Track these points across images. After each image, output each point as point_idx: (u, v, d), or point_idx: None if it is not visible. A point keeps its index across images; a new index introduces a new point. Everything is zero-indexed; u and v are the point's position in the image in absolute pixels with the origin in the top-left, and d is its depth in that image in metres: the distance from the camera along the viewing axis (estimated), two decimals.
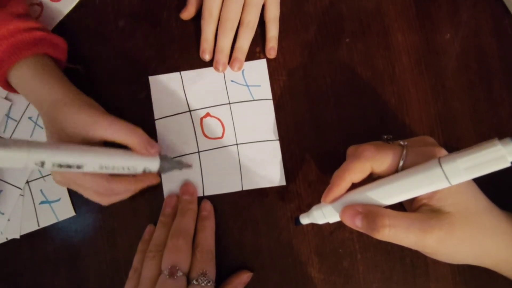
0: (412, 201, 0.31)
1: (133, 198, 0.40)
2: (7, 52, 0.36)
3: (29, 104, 0.44)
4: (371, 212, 0.29)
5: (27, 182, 0.43)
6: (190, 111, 0.42)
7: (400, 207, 0.36)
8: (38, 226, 0.42)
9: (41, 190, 0.43)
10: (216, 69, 0.42)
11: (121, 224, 0.42)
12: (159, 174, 0.40)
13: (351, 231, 0.40)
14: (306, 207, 0.40)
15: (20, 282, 0.42)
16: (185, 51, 0.43)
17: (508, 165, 0.24)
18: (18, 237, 0.42)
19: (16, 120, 0.44)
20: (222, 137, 0.42)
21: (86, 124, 0.34)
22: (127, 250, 0.41)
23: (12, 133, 0.43)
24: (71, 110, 0.35)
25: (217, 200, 0.41)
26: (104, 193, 0.36)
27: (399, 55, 0.42)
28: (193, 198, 0.40)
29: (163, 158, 0.37)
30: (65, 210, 0.42)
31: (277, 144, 0.41)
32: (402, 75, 0.41)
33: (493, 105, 0.41)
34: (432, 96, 0.41)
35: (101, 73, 0.43)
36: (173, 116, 0.42)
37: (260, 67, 0.42)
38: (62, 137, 0.35)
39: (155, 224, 0.40)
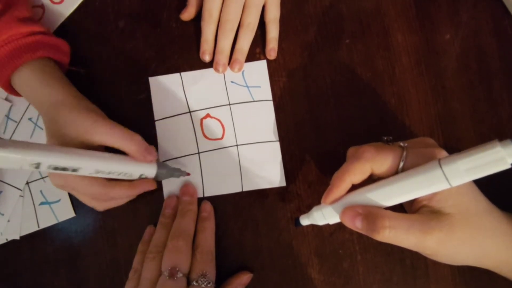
0: (412, 202, 0.31)
1: (134, 199, 0.40)
2: (10, 56, 0.36)
3: (29, 105, 0.44)
4: (371, 213, 0.29)
5: (27, 183, 0.43)
6: (190, 112, 0.42)
7: (400, 208, 0.36)
8: (38, 227, 0.42)
9: (41, 191, 0.43)
10: (216, 70, 0.42)
11: (121, 224, 0.42)
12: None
13: (351, 232, 0.39)
14: (306, 208, 0.40)
15: (20, 283, 0.42)
16: (185, 52, 0.43)
17: (508, 166, 0.24)
18: (18, 238, 0.42)
19: (16, 121, 0.44)
20: (222, 138, 0.42)
21: (85, 129, 0.35)
22: (127, 251, 0.41)
23: (12, 134, 0.43)
24: (72, 113, 0.35)
25: (217, 201, 0.41)
26: (99, 198, 0.36)
27: (399, 55, 0.42)
28: (193, 199, 0.40)
29: (160, 165, 0.38)
30: (65, 211, 0.42)
31: (277, 145, 0.41)
32: (402, 75, 0.41)
33: (493, 105, 0.41)
34: (432, 97, 0.41)
35: (101, 74, 0.44)
36: (173, 117, 0.42)
37: (260, 68, 0.42)
38: (62, 140, 0.35)
39: (155, 225, 0.40)
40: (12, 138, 0.43)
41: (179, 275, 0.34)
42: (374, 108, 0.41)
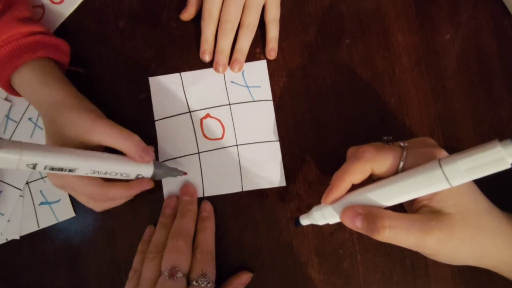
0: (412, 202, 0.31)
1: (133, 199, 0.40)
2: (10, 56, 0.36)
3: (29, 105, 0.44)
4: (371, 213, 0.29)
5: (27, 183, 0.43)
6: (190, 112, 0.42)
7: (400, 208, 0.36)
8: (38, 227, 0.42)
9: (41, 191, 0.43)
10: (216, 70, 0.42)
11: (121, 224, 0.42)
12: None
13: (351, 232, 0.39)
14: (306, 208, 0.40)
15: (20, 283, 0.42)
16: (185, 52, 0.43)
17: (508, 166, 0.24)
18: (18, 237, 0.42)
19: (16, 121, 0.44)
20: (222, 138, 0.42)
21: (85, 129, 0.35)
22: (127, 251, 0.41)
23: (12, 134, 0.43)
24: (71, 113, 0.35)
25: (217, 201, 0.41)
26: (97, 198, 0.37)
27: (399, 55, 0.42)
28: (193, 199, 0.40)
29: (157, 165, 0.38)
30: (65, 211, 0.42)
31: (277, 145, 0.41)
32: (402, 75, 0.41)
33: (493, 105, 0.41)
34: (432, 97, 0.41)
35: (101, 74, 0.44)
36: (173, 117, 0.42)
37: (260, 68, 0.42)
38: (62, 140, 0.35)
39: (155, 225, 0.40)
40: (12, 138, 0.43)
41: (179, 275, 0.34)
42: (374, 108, 0.41)
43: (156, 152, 0.42)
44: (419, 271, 0.39)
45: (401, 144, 0.31)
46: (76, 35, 0.44)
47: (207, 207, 0.40)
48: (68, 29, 0.44)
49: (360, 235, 0.39)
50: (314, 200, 0.40)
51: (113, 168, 0.34)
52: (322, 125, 0.41)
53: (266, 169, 0.41)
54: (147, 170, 0.37)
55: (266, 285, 0.40)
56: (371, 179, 0.32)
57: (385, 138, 0.33)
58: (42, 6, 0.44)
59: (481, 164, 0.24)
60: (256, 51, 0.43)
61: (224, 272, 0.39)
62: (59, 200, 0.42)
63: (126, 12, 0.44)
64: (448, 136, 0.40)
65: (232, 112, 0.42)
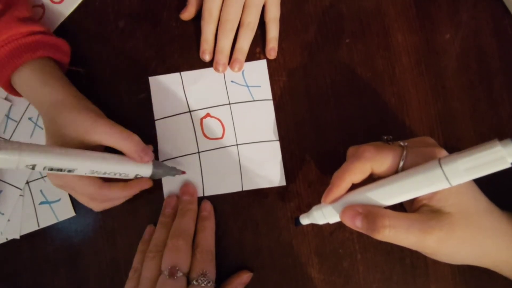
0: (412, 201, 0.31)
1: (133, 198, 0.40)
2: (10, 56, 0.36)
3: (29, 104, 0.44)
4: (371, 212, 0.29)
5: (27, 182, 0.43)
6: (190, 111, 0.42)
7: (400, 207, 0.36)
8: (38, 226, 0.42)
9: (41, 191, 0.43)
10: (216, 69, 0.42)
11: (121, 224, 0.42)
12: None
13: (351, 231, 0.40)
14: (306, 208, 0.40)
15: (20, 282, 0.42)
16: (185, 52, 0.43)
17: (508, 166, 0.24)
18: (18, 237, 0.42)
19: (16, 121, 0.44)
20: (222, 137, 0.42)
21: (84, 128, 0.35)
22: (127, 250, 0.41)
23: (12, 133, 0.43)
24: (71, 113, 0.35)
25: (217, 201, 0.41)
26: (96, 198, 0.37)
27: (399, 55, 0.42)
28: (193, 198, 0.40)
29: (156, 164, 0.38)
30: (65, 211, 0.42)
31: (277, 145, 0.41)
32: (402, 75, 0.41)
33: (493, 105, 0.41)
34: (432, 96, 0.41)
35: (101, 74, 0.44)
36: (173, 117, 0.42)
37: (260, 67, 0.42)
38: (62, 140, 0.35)
39: (155, 224, 0.40)
40: (12, 138, 0.43)
41: (179, 274, 0.34)
42: (374, 107, 0.41)
43: (156, 151, 0.42)
44: (419, 270, 0.39)
45: (401, 143, 0.31)
46: (76, 34, 0.44)
47: (207, 206, 0.40)
48: (68, 28, 0.44)
49: (360, 235, 0.39)
50: (314, 199, 0.40)
51: (112, 168, 0.34)
52: (322, 125, 0.41)
53: (266, 168, 0.41)
54: (146, 170, 0.37)
55: (266, 285, 0.40)
56: (371, 179, 0.32)
57: (385, 137, 0.33)
58: (42, 6, 0.44)
59: (481, 164, 0.24)
60: (256, 51, 0.43)
61: (224, 271, 0.39)
62: (59, 200, 0.42)
63: (126, 12, 0.44)
64: (448, 136, 0.40)
65: (232, 112, 0.42)
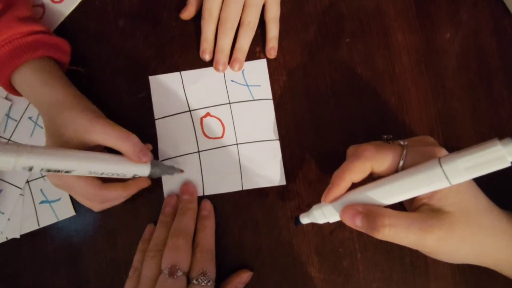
0: (412, 200, 0.31)
1: (133, 198, 0.40)
2: (10, 55, 0.36)
3: (29, 104, 0.44)
4: (371, 211, 0.29)
5: (27, 181, 0.43)
6: (190, 110, 0.42)
7: (400, 206, 0.36)
8: (38, 225, 0.42)
9: (41, 190, 0.43)
10: (216, 69, 0.42)
11: (121, 223, 0.42)
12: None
13: (351, 230, 0.40)
14: (306, 207, 0.40)
15: (20, 282, 0.42)
16: (185, 51, 0.43)
17: (508, 165, 0.24)
18: (18, 236, 0.42)
19: (16, 120, 0.44)
20: (222, 136, 0.42)
21: (83, 128, 0.35)
22: (127, 250, 0.41)
23: (12, 133, 0.43)
24: (71, 113, 0.35)
25: (217, 200, 0.41)
26: (95, 199, 0.37)
27: (399, 54, 0.42)
28: (193, 197, 0.40)
29: (154, 163, 0.38)
30: (65, 210, 0.42)
31: (277, 144, 0.41)
32: (402, 74, 0.41)
33: (493, 105, 0.41)
34: (432, 96, 0.41)
35: (101, 73, 0.44)
36: (173, 116, 0.42)
37: (260, 67, 0.42)
38: (61, 139, 0.35)
39: (155, 223, 0.40)
40: (12, 137, 0.43)
41: (179, 273, 0.34)
42: (374, 107, 0.41)
43: (156, 151, 0.42)
44: (418, 269, 0.39)
45: (401, 142, 0.31)
46: (76, 34, 0.44)
47: (207, 205, 0.40)
48: (68, 28, 0.44)
49: (360, 234, 0.39)
50: (314, 199, 0.40)
51: (109, 169, 0.35)
52: (322, 124, 0.41)
53: (266, 168, 0.41)
54: (144, 170, 0.37)
55: (266, 284, 0.40)
56: (371, 178, 0.32)
57: (385, 136, 0.33)
58: (42, 5, 0.44)
59: (481, 163, 0.24)
60: (256, 50, 0.43)
61: (224, 271, 0.39)
62: (59, 199, 0.42)
63: (126, 11, 0.44)
64: (448, 136, 0.40)
65: (232, 111, 0.42)
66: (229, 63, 0.42)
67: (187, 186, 0.41)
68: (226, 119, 0.42)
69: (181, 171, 0.41)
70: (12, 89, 0.40)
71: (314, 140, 0.41)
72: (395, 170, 0.30)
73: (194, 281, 0.35)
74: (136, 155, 0.36)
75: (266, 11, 0.41)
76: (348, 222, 0.30)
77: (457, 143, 0.40)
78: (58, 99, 0.37)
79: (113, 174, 0.35)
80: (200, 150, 0.41)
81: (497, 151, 0.24)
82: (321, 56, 0.42)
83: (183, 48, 0.43)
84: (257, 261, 0.40)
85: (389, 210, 0.29)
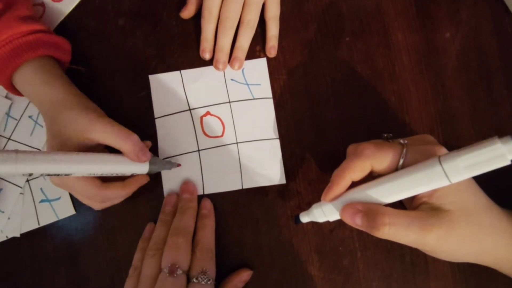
0: (412, 199, 0.31)
1: (133, 196, 0.40)
2: (11, 55, 0.36)
3: (29, 103, 0.44)
4: (371, 210, 0.29)
5: (27, 180, 0.43)
6: (190, 109, 0.42)
7: (400, 205, 0.36)
8: (38, 224, 0.42)
9: (41, 189, 0.43)
10: (216, 68, 0.42)
11: (121, 222, 0.42)
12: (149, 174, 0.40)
13: (351, 229, 0.40)
14: (306, 206, 0.40)
15: (20, 281, 0.42)
16: (185, 50, 0.43)
17: (508, 163, 0.24)
18: (18, 235, 0.42)
19: (16, 119, 0.44)
20: (222, 135, 0.42)
21: (83, 127, 0.35)
22: (127, 249, 0.41)
23: (12, 132, 0.44)
24: (71, 112, 0.36)
25: (217, 199, 0.41)
26: (94, 198, 0.37)
27: (399, 54, 0.42)
28: (193, 196, 0.40)
29: (152, 161, 0.38)
30: (65, 209, 0.42)
31: (277, 143, 0.41)
32: (402, 74, 0.41)
33: (493, 104, 0.41)
34: (432, 95, 0.41)
35: (101, 72, 0.44)
36: (173, 115, 0.42)
37: (260, 66, 0.42)
38: (62, 139, 0.35)
39: (155, 222, 0.40)
40: (12, 136, 0.43)
41: (179, 272, 0.34)
42: (374, 106, 0.41)
43: (156, 149, 0.42)
44: (418, 268, 0.39)
45: (401, 141, 0.31)
46: (76, 33, 0.44)
47: (207, 204, 0.40)
48: (68, 27, 0.44)
49: (360, 232, 0.39)
50: (314, 197, 0.40)
51: (108, 169, 0.35)
52: (322, 123, 0.41)
53: (266, 167, 0.41)
54: (143, 168, 0.37)
55: (266, 283, 0.40)
56: (371, 176, 0.32)
57: (385, 135, 0.33)
58: (42, 4, 0.44)
59: (481, 161, 0.24)
60: (256, 49, 0.43)
61: (224, 269, 0.39)
62: (59, 198, 0.42)
63: (126, 10, 0.44)
64: (448, 135, 0.40)
65: (232, 110, 0.42)
66: (229, 62, 0.42)
67: (187, 185, 0.41)
68: (226, 118, 0.42)
69: (179, 165, 0.41)
70: (13, 89, 0.40)
71: (314, 139, 0.41)
72: (395, 169, 0.30)
73: (194, 280, 0.35)
74: (135, 155, 0.36)
75: (266, 10, 0.41)
76: (348, 220, 0.30)
77: (457, 142, 0.40)
78: (59, 99, 0.37)
79: (112, 174, 0.35)
80: (200, 149, 0.41)
81: (497, 149, 0.24)
82: (321, 55, 0.42)
83: (183, 47, 0.43)
84: (257, 260, 0.40)
85: (389, 208, 0.29)
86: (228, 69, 0.42)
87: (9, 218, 0.42)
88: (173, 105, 0.42)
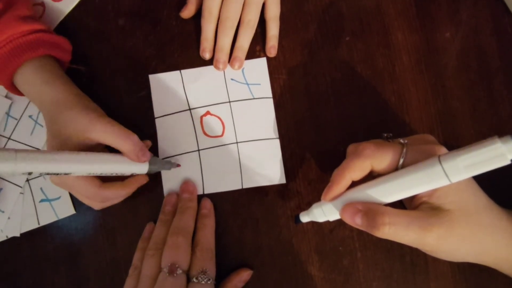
0: (412, 199, 0.31)
1: (133, 196, 0.40)
2: (11, 55, 0.36)
3: (29, 102, 0.44)
4: (371, 210, 0.29)
5: (27, 180, 0.43)
6: (190, 109, 0.42)
7: (400, 205, 0.36)
8: (38, 224, 0.42)
9: (41, 188, 0.43)
10: (216, 67, 0.42)
11: (121, 222, 0.42)
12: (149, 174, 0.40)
13: (351, 229, 0.40)
14: (306, 206, 0.40)
15: (20, 280, 0.42)
16: (185, 50, 0.43)
17: (508, 163, 0.24)
18: (18, 235, 0.42)
19: (16, 119, 0.44)
20: (222, 135, 0.42)
21: (83, 127, 0.35)
22: (127, 249, 0.41)
23: (12, 131, 0.44)
24: (71, 112, 0.36)
25: (217, 198, 0.41)
26: (94, 198, 0.37)
27: (399, 53, 0.42)
28: (193, 196, 0.40)
29: (151, 161, 0.38)
30: (65, 208, 0.42)
31: (277, 143, 0.41)
32: (402, 74, 0.41)
33: (493, 104, 0.41)
34: (432, 95, 0.41)
35: (102, 72, 0.44)
36: (173, 115, 0.42)
37: (260, 65, 0.42)
38: (62, 139, 0.35)
39: (155, 222, 0.40)
40: (12, 136, 0.43)
41: (179, 271, 0.34)
42: (374, 106, 0.41)
43: (156, 149, 0.42)
44: (418, 268, 0.39)
45: (401, 141, 0.31)
46: (76, 32, 0.44)
47: (207, 204, 0.40)
48: (68, 26, 0.44)
49: (360, 232, 0.39)
50: (314, 197, 0.40)
51: (108, 169, 0.35)
52: (322, 123, 0.41)
53: (266, 166, 0.41)
54: (142, 168, 0.37)
55: (266, 283, 0.40)
56: (371, 176, 0.32)
57: (385, 135, 0.33)
58: (42, 4, 0.44)
59: (481, 161, 0.24)
60: (256, 49, 0.43)
61: (224, 269, 0.39)
62: (59, 198, 0.42)
63: (126, 10, 0.44)
64: (448, 135, 0.40)
65: (232, 110, 0.42)
66: (229, 61, 0.42)
67: (187, 184, 0.41)
68: (226, 118, 0.42)
69: (178, 165, 0.41)
70: (14, 89, 0.40)
71: (314, 139, 0.41)
72: (395, 168, 0.30)
73: (194, 280, 0.35)
74: (135, 155, 0.36)
75: (266, 10, 0.41)
76: (348, 220, 0.30)
77: (457, 142, 0.40)
78: (59, 98, 0.37)
79: (112, 173, 0.35)
80: (200, 148, 0.41)
81: (497, 148, 0.24)
82: (321, 55, 0.42)
83: (183, 47, 0.43)
84: (257, 259, 0.40)
85: (389, 208, 0.29)
86: (228, 68, 0.42)
87: (9, 218, 0.42)
88: (173, 104, 0.42)
